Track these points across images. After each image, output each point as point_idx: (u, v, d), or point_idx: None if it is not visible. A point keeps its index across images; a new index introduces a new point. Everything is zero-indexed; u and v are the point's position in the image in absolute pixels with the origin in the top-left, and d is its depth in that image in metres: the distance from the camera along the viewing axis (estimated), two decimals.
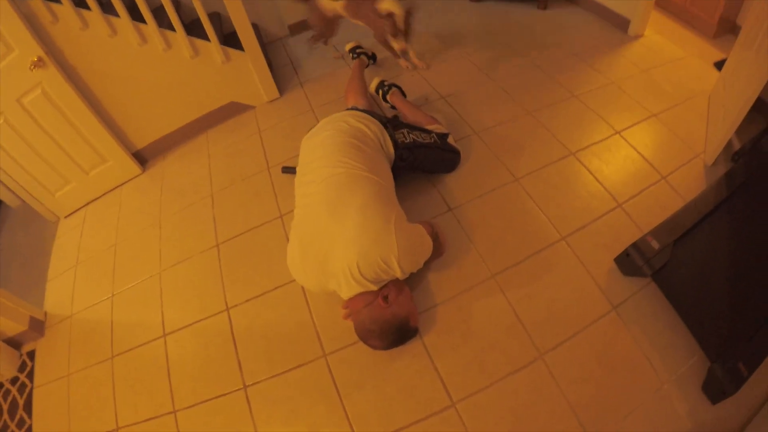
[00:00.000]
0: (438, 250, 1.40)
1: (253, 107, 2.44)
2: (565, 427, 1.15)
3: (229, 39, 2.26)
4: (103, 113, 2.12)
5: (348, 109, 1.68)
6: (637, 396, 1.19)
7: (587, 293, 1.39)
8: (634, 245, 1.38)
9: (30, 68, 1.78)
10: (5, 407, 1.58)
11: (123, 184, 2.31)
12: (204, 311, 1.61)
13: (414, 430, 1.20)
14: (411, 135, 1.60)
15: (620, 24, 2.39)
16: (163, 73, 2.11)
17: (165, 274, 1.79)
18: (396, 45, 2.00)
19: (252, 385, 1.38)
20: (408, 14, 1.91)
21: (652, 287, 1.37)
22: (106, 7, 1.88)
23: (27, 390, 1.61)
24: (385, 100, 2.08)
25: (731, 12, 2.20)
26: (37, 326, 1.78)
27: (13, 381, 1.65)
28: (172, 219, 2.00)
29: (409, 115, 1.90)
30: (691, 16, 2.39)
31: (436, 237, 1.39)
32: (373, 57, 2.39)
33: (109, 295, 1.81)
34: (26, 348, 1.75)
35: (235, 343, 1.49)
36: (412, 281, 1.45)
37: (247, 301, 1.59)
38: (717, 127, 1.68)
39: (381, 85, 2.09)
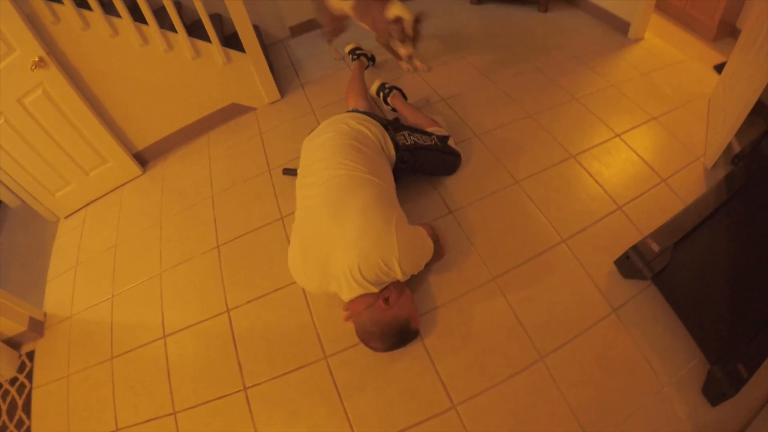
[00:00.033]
0: (439, 252, 1.40)
1: (254, 109, 2.44)
2: (565, 429, 1.16)
3: (230, 40, 2.26)
4: (104, 114, 2.12)
5: (349, 111, 1.69)
6: (637, 398, 1.19)
7: (587, 296, 1.39)
8: (634, 248, 1.38)
9: (31, 68, 1.78)
10: (4, 408, 1.58)
11: (123, 184, 2.31)
12: (204, 313, 1.61)
13: None
14: (412, 137, 1.60)
15: (620, 27, 2.40)
16: (165, 74, 2.11)
17: (165, 275, 1.79)
18: (403, 51, 1.99)
19: (252, 386, 1.38)
20: (416, 20, 1.90)
21: (652, 290, 1.37)
22: (107, 7, 1.88)
23: (26, 390, 1.61)
24: (386, 102, 2.08)
25: (731, 15, 2.21)
26: (37, 327, 1.77)
27: (12, 381, 1.65)
28: (173, 220, 2.00)
29: (410, 117, 1.91)
30: (691, 19, 2.40)
31: (436, 239, 1.40)
32: (372, 59, 2.39)
33: (109, 296, 1.81)
34: (25, 348, 1.75)
35: (235, 345, 1.49)
36: (413, 283, 1.45)
37: (247, 302, 1.59)
38: (717, 130, 1.68)
39: (382, 87, 2.09)
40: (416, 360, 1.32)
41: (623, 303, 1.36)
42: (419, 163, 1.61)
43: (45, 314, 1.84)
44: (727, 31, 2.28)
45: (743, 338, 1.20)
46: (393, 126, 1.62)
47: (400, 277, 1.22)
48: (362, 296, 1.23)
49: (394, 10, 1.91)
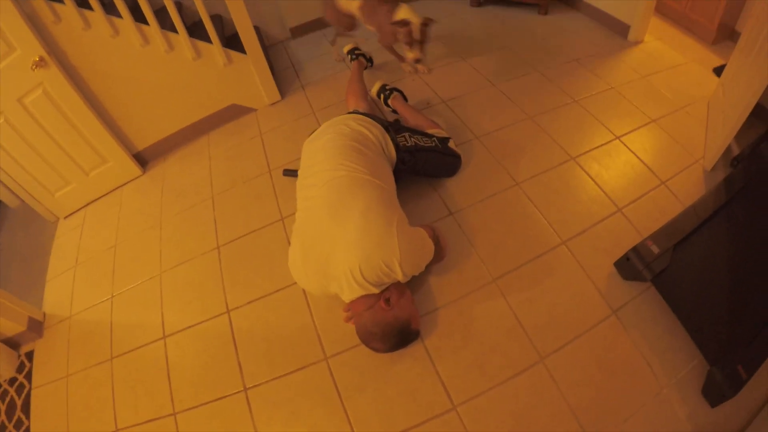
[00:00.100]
0: (439, 254, 1.41)
1: (254, 110, 2.44)
2: (565, 430, 1.16)
3: (231, 41, 2.26)
4: (104, 114, 2.12)
5: (349, 113, 1.69)
6: (637, 399, 1.20)
7: (587, 297, 1.39)
8: (634, 249, 1.38)
9: (31, 68, 1.78)
10: (3, 408, 1.57)
11: (123, 185, 2.31)
12: (204, 313, 1.61)
13: None
14: (412, 139, 1.60)
15: (620, 30, 2.41)
16: (165, 74, 2.11)
17: (165, 276, 1.78)
18: (410, 54, 1.97)
19: (252, 387, 1.38)
20: (425, 24, 1.88)
21: (651, 291, 1.38)
22: (108, 7, 1.88)
23: (25, 391, 1.61)
24: (386, 104, 2.09)
25: (730, 18, 2.22)
26: (36, 327, 1.77)
27: (11, 381, 1.65)
28: (173, 221, 2.00)
29: (411, 119, 1.91)
30: (690, 22, 2.41)
31: (437, 241, 1.40)
32: (370, 60, 2.39)
33: (109, 296, 1.80)
34: (25, 349, 1.75)
35: (235, 346, 1.49)
36: (414, 285, 1.45)
37: (248, 303, 1.59)
38: (716, 133, 1.69)
39: (382, 89, 2.09)
40: (417, 361, 1.32)
41: (623, 304, 1.37)
42: (420, 165, 1.62)
43: (44, 314, 1.84)
44: (726, 34, 2.29)
45: (743, 340, 1.21)
46: (394, 127, 1.62)
47: (401, 278, 1.22)
48: (363, 297, 1.23)
49: (402, 14, 1.90)
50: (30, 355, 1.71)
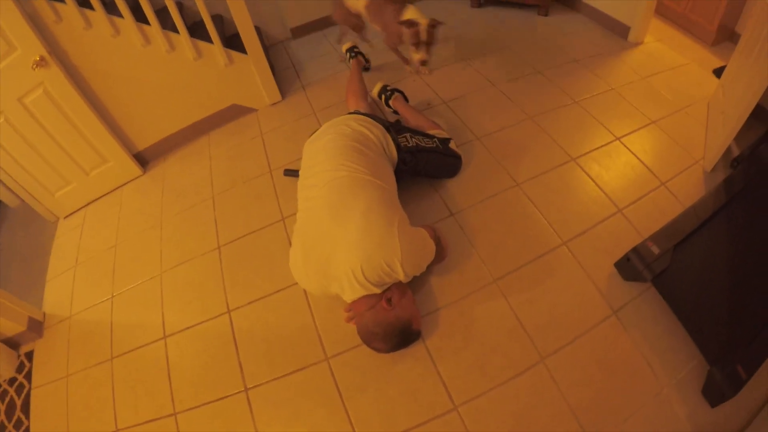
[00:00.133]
0: (440, 254, 1.41)
1: (255, 110, 2.44)
2: (566, 430, 1.16)
3: (231, 41, 2.26)
4: (104, 114, 2.12)
5: (350, 113, 1.69)
6: (637, 399, 1.20)
7: (588, 298, 1.40)
8: (635, 250, 1.39)
9: (32, 67, 1.78)
10: (2, 408, 1.57)
11: (124, 185, 2.31)
12: (205, 313, 1.61)
13: None
14: (413, 139, 1.61)
15: (620, 31, 2.42)
16: (166, 74, 2.11)
17: (166, 276, 1.78)
18: (417, 56, 1.95)
19: (253, 387, 1.38)
20: (432, 25, 1.86)
21: (651, 292, 1.38)
22: (109, 7, 1.88)
23: (25, 391, 1.60)
24: (387, 105, 2.09)
25: (730, 19, 2.23)
26: (36, 327, 1.76)
27: (11, 381, 1.64)
28: (173, 221, 2.00)
29: (412, 119, 1.91)
30: (690, 24, 2.42)
31: (438, 241, 1.40)
32: (367, 62, 2.39)
33: (109, 296, 1.80)
34: (24, 349, 1.74)
35: (236, 346, 1.49)
36: (415, 285, 1.45)
37: (248, 303, 1.59)
38: (716, 134, 1.70)
39: (384, 89, 2.10)
40: (418, 361, 1.32)
41: (623, 305, 1.37)
42: (421, 165, 1.62)
43: (44, 314, 1.84)
44: (726, 35, 2.30)
45: (742, 340, 1.21)
46: (395, 128, 1.62)
47: (402, 278, 1.22)
48: (364, 297, 1.23)
49: (410, 15, 1.89)
50: (30, 355, 1.71)
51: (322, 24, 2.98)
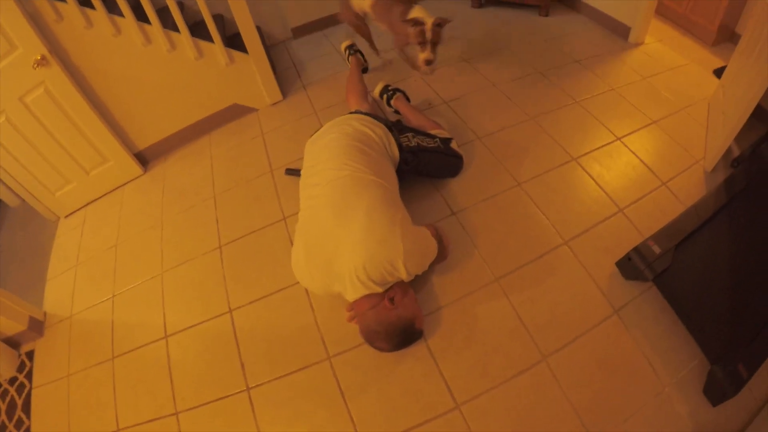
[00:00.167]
0: (442, 253, 1.41)
1: (256, 109, 2.44)
2: (568, 428, 1.16)
3: (232, 41, 2.26)
4: (105, 113, 2.11)
5: (352, 113, 1.69)
6: (638, 398, 1.20)
7: (589, 297, 1.40)
8: (636, 249, 1.39)
9: (33, 67, 1.77)
10: (3, 407, 1.57)
11: (124, 184, 2.30)
12: (206, 313, 1.60)
13: None
14: (415, 139, 1.61)
15: (621, 31, 2.42)
16: (167, 73, 2.11)
17: (167, 275, 1.78)
18: (422, 55, 1.89)
19: (255, 387, 1.38)
20: (438, 24, 1.82)
21: (653, 291, 1.39)
22: (110, 6, 1.88)
23: (26, 390, 1.60)
24: (389, 104, 2.09)
25: (731, 20, 2.24)
26: (36, 326, 1.76)
27: (12, 381, 1.64)
28: (174, 220, 2.00)
29: (413, 119, 1.91)
30: (691, 24, 2.42)
31: (439, 240, 1.40)
32: (365, 61, 2.38)
33: (110, 296, 1.80)
34: (25, 348, 1.74)
35: (238, 345, 1.49)
36: (416, 284, 1.45)
37: (250, 303, 1.59)
38: (717, 134, 1.70)
39: (385, 89, 2.10)
40: (419, 361, 1.32)
41: (625, 304, 1.37)
42: (422, 165, 1.62)
43: (45, 314, 1.83)
44: (726, 36, 2.30)
45: (744, 339, 1.22)
46: (397, 127, 1.62)
47: (404, 277, 1.23)
48: (367, 296, 1.23)
49: (415, 13, 1.85)
50: (30, 355, 1.70)
51: (323, 24, 2.98)
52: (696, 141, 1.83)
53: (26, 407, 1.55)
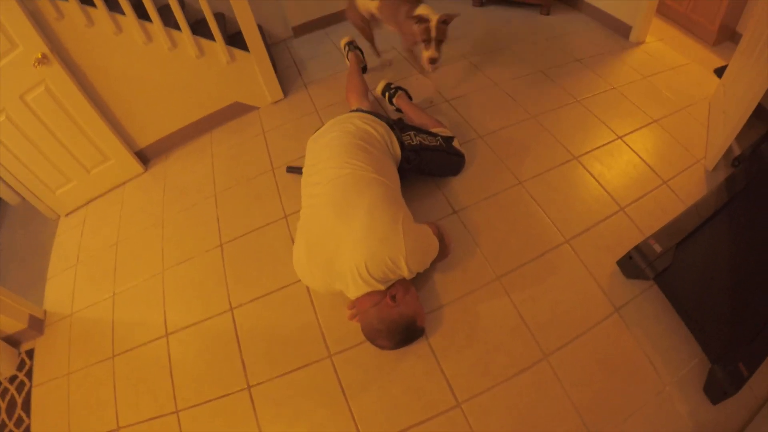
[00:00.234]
0: (443, 251, 1.41)
1: (257, 108, 2.44)
2: (568, 427, 1.16)
3: (233, 40, 2.26)
4: (106, 111, 2.11)
5: (354, 111, 1.69)
6: (639, 397, 1.20)
7: (590, 295, 1.40)
8: (637, 248, 1.39)
9: (34, 65, 1.77)
10: (3, 406, 1.57)
11: (125, 182, 2.30)
12: (207, 311, 1.60)
13: (419, 431, 1.20)
14: (417, 138, 1.61)
15: (622, 30, 2.43)
16: (168, 72, 2.11)
17: (167, 274, 1.78)
18: (426, 53, 1.84)
19: (256, 385, 1.38)
20: (443, 22, 1.77)
21: (654, 290, 1.39)
22: (111, 4, 1.87)
23: (26, 389, 1.60)
24: (391, 102, 2.09)
25: (731, 19, 2.24)
26: (37, 324, 1.76)
27: (12, 379, 1.64)
28: (175, 218, 2.00)
29: (415, 118, 1.91)
30: (691, 24, 2.43)
31: (441, 238, 1.40)
32: (363, 59, 2.37)
33: (110, 294, 1.80)
34: (25, 346, 1.74)
35: (239, 344, 1.48)
36: (418, 282, 1.45)
37: (251, 301, 1.59)
38: (717, 133, 1.70)
39: (387, 87, 2.09)
40: (421, 359, 1.32)
41: (626, 303, 1.38)
42: (424, 164, 1.62)
43: (45, 312, 1.83)
44: (727, 35, 2.30)
45: (744, 338, 1.22)
46: (398, 126, 1.62)
47: (406, 274, 1.23)
48: (368, 294, 1.23)
49: (420, 11, 1.82)
50: (30, 353, 1.70)
51: (324, 22, 2.98)
52: (697, 140, 1.83)
53: (26, 406, 1.55)
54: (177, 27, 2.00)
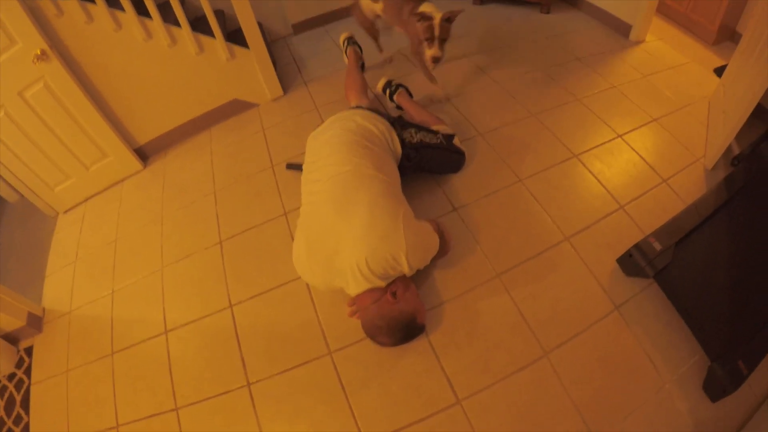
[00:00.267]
0: (443, 248, 1.41)
1: (256, 105, 2.43)
2: (568, 424, 1.17)
3: (232, 37, 2.25)
4: (105, 108, 2.10)
5: (355, 108, 1.69)
6: (639, 395, 1.21)
7: (590, 293, 1.40)
8: (637, 246, 1.40)
9: (33, 61, 1.77)
10: (2, 404, 1.56)
11: (124, 179, 2.29)
12: (207, 308, 1.60)
13: (419, 428, 1.21)
14: (418, 135, 1.61)
15: (622, 29, 2.43)
16: (168, 68, 2.10)
17: (167, 271, 1.78)
18: (429, 52, 1.79)
19: (256, 382, 1.38)
20: (447, 20, 1.71)
21: (653, 288, 1.39)
22: (111, 1, 1.87)
23: (24, 386, 1.59)
24: (391, 99, 2.08)
25: (731, 19, 2.24)
26: (35, 322, 1.75)
27: (10, 377, 1.63)
28: (174, 216, 1.99)
29: (416, 115, 1.91)
30: (691, 23, 2.43)
31: (441, 235, 1.40)
32: (361, 55, 2.36)
33: (109, 292, 1.79)
34: (24, 344, 1.73)
35: (238, 341, 1.48)
36: (418, 280, 1.45)
37: (250, 298, 1.58)
38: (717, 132, 1.71)
39: (388, 84, 2.09)
40: (421, 356, 1.32)
41: (625, 300, 1.38)
42: (425, 161, 1.62)
43: (44, 309, 1.83)
44: (727, 35, 2.31)
45: (743, 336, 1.22)
46: (399, 123, 1.62)
47: (407, 271, 1.23)
48: (369, 291, 1.23)
49: (423, 8, 1.76)
50: (29, 351, 1.70)
51: (324, 20, 2.97)
52: (696, 139, 1.84)
53: (25, 403, 1.54)
54: (177, 24, 1.99)
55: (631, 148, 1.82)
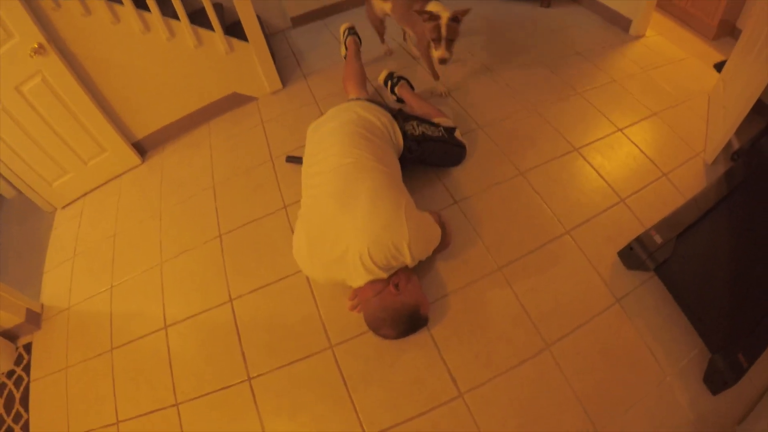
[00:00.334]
0: (444, 241, 1.40)
1: (255, 98, 2.42)
2: (571, 416, 1.17)
3: (231, 30, 2.23)
4: (103, 102, 2.09)
5: (354, 100, 1.68)
6: (640, 387, 1.21)
7: (591, 286, 1.40)
8: (638, 239, 1.40)
9: (30, 55, 1.75)
10: (1, 401, 1.55)
11: (122, 174, 2.28)
12: (206, 303, 1.59)
13: (422, 421, 1.20)
14: (420, 128, 1.60)
15: (622, 24, 2.42)
16: (166, 62, 2.08)
17: (166, 266, 1.77)
18: (435, 53, 1.74)
19: (257, 377, 1.37)
20: (454, 19, 1.65)
21: (654, 281, 1.39)
22: None
23: (24, 383, 1.58)
24: (392, 92, 2.07)
25: (731, 15, 2.24)
26: (34, 318, 1.74)
27: (10, 374, 1.62)
28: (173, 210, 1.98)
29: (417, 107, 1.90)
30: (691, 18, 2.43)
31: (443, 227, 1.39)
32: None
33: (108, 287, 1.78)
34: (23, 341, 1.72)
35: (239, 335, 1.48)
36: (419, 273, 1.44)
37: (251, 292, 1.58)
38: (717, 127, 1.71)
39: (390, 77, 2.07)
40: (423, 349, 1.32)
41: (626, 293, 1.38)
42: (426, 154, 1.61)
43: (42, 306, 1.81)
44: (727, 30, 2.31)
45: (744, 329, 1.23)
46: (401, 116, 1.61)
47: (409, 261, 1.22)
48: (371, 283, 1.22)
49: (431, 7, 1.71)
50: (28, 347, 1.69)
51: (323, 13, 2.96)
52: (696, 133, 1.84)
53: (24, 400, 1.53)
54: (175, 16, 1.97)
55: (631, 141, 1.82)
